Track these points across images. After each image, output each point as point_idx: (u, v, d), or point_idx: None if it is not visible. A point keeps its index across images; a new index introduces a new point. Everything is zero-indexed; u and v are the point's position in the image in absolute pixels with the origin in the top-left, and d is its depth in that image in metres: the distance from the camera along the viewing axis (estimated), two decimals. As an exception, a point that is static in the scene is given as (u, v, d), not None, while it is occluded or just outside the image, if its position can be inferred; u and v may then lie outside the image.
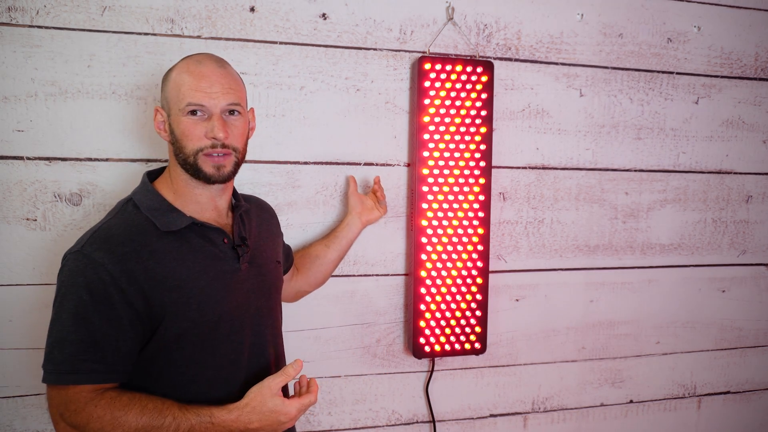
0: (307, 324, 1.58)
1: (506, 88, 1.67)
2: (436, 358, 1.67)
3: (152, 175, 1.17)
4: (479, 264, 1.61)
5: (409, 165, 1.62)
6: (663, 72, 1.81)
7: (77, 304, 0.99)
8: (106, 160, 1.39)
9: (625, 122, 1.79)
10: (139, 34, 1.38)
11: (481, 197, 1.60)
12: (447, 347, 1.61)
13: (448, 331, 1.61)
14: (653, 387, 1.92)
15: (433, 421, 1.70)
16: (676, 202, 1.86)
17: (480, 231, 1.60)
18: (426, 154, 1.55)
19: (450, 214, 1.58)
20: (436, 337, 1.60)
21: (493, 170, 1.67)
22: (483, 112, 1.58)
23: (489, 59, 1.63)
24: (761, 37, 1.88)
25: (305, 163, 1.54)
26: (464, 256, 1.60)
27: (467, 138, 1.58)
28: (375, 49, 1.56)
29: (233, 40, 1.45)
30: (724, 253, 1.93)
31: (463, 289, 1.61)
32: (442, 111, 1.56)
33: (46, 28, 1.33)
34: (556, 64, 1.71)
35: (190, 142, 1.06)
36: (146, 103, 1.40)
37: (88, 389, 0.99)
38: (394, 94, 1.58)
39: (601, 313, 1.83)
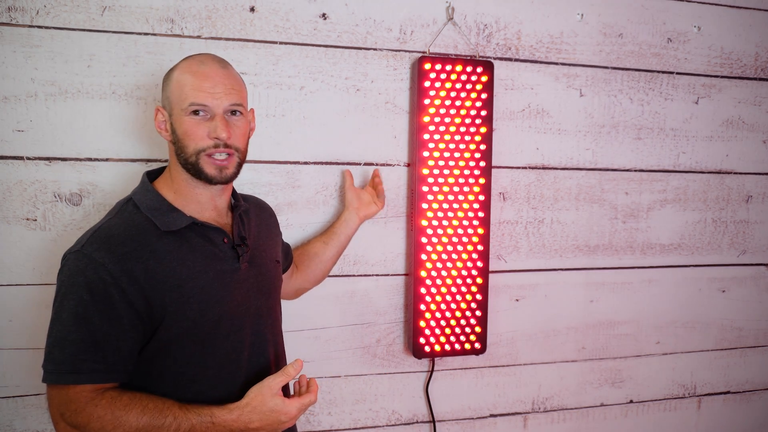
0: (307, 324, 1.58)
1: (506, 88, 1.67)
2: (436, 358, 1.67)
3: (152, 175, 1.17)
4: (479, 264, 1.61)
5: (409, 165, 1.62)
6: (663, 72, 1.81)
7: (77, 304, 0.99)
8: (106, 160, 1.39)
9: (625, 122, 1.79)
10: (139, 34, 1.39)
11: (481, 197, 1.60)
12: (447, 347, 1.61)
13: (448, 331, 1.61)
14: (653, 387, 1.92)
15: (433, 421, 1.70)
16: (676, 202, 1.86)
17: (480, 231, 1.60)
18: (426, 154, 1.55)
19: (450, 214, 1.58)
20: (436, 337, 1.60)
21: (493, 170, 1.67)
22: (483, 112, 1.58)
23: (489, 59, 1.63)
24: (761, 37, 1.88)
25: (305, 163, 1.54)
26: (464, 256, 1.60)
27: (467, 138, 1.58)
28: (375, 49, 1.56)
29: (233, 40, 1.45)
30: (724, 253, 1.93)
31: (463, 289, 1.61)
32: (442, 111, 1.56)
33: (46, 28, 1.33)
34: (556, 64, 1.71)
35: (192, 142, 1.06)
36: (146, 103, 1.40)
37: (88, 389, 0.99)
38: (394, 94, 1.58)
39: (601, 313, 1.83)
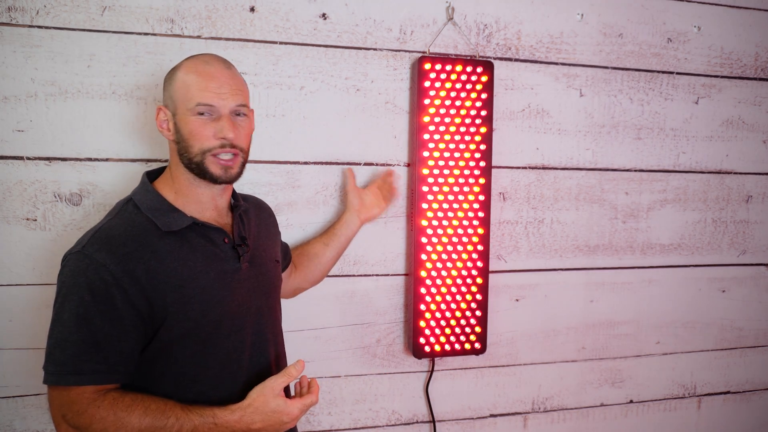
0: (307, 324, 1.58)
1: (506, 88, 1.67)
2: (436, 358, 1.67)
3: (151, 175, 1.17)
4: (479, 264, 1.61)
5: (409, 165, 1.62)
6: (663, 72, 1.81)
7: (79, 305, 0.98)
8: (106, 160, 1.39)
9: (625, 122, 1.79)
10: (139, 34, 1.38)
11: (481, 197, 1.60)
12: (447, 347, 1.61)
13: (448, 331, 1.61)
14: (653, 387, 1.92)
15: (433, 421, 1.70)
16: (676, 202, 1.86)
17: (480, 231, 1.60)
18: (426, 154, 1.55)
19: (450, 214, 1.58)
20: (436, 337, 1.60)
21: (493, 170, 1.67)
22: (483, 112, 1.58)
23: (489, 59, 1.63)
24: (761, 37, 1.88)
25: (305, 163, 1.54)
26: (464, 256, 1.60)
27: (467, 138, 1.58)
28: (375, 49, 1.56)
29: (233, 40, 1.45)
30: (724, 253, 1.93)
31: (463, 289, 1.61)
32: (442, 111, 1.56)
33: (46, 28, 1.33)
34: (556, 64, 1.71)
35: (198, 141, 1.06)
36: (146, 103, 1.40)
37: (90, 390, 0.99)
38: (394, 94, 1.58)
39: (601, 313, 1.83)
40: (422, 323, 1.59)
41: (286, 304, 1.46)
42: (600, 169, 1.78)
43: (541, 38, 1.69)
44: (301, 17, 1.49)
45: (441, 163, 1.56)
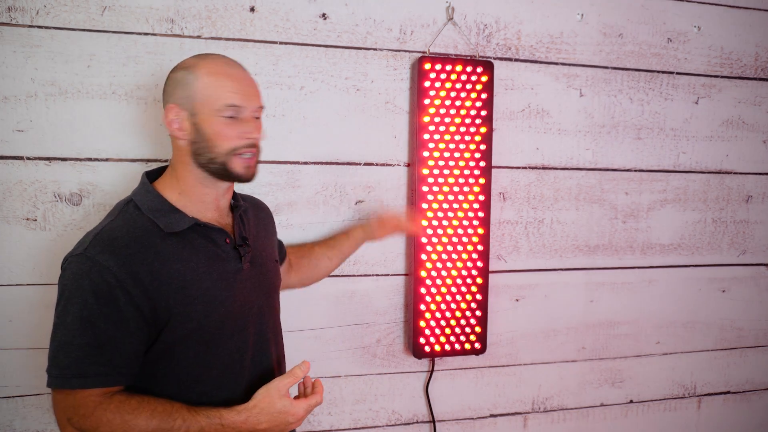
0: (307, 324, 1.58)
1: (506, 88, 1.67)
2: (436, 358, 1.67)
3: (151, 176, 1.16)
4: (479, 264, 1.61)
5: (409, 165, 1.62)
6: (663, 72, 1.81)
7: (82, 308, 0.98)
8: (106, 160, 1.39)
9: (625, 122, 1.79)
10: (139, 34, 1.38)
11: (481, 197, 1.60)
12: (447, 347, 1.61)
13: (448, 331, 1.61)
14: (653, 387, 1.92)
15: (433, 421, 1.70)
16: (676, 202, 1.86)
17: (480, 231, 1.60)
18: (426, 154, 1.55)
19: (450, 214, 1.58)
20: (436, 337, 1.60)
21: (493, 170, 1.67)
22: (483, 112, 1.58)
23: (489, 59, 1.63)
24: (761, 37, 1.88)
25: (305, 163, 1.54)
26: (464, 256, 1.60)
27: (467, 138, 1.58)
28: (375, 49, 1.56)
29: (233, 40, 1.45)
30: (724, 253, 1.93)
31: (463, 289, 1.61)
32: (442, 111, 1.56)
33: (46, 28, 1.33)
34: (556, 64, 1.71)
35: (225, 142, 1.07)
36: (146, 103, 1.40)
37: (95, 393, 0.98)
38: (394, 94, 1.58)
39: (601, 313, 1.83)
40: (422, 323, 1.59)
41: (285, 304, 1.46)
42: (600, 169, 1.78)
43: (541, 38, 1.69)
44: (301, 17, 1.49)
45: (441, 163, 1.56)
